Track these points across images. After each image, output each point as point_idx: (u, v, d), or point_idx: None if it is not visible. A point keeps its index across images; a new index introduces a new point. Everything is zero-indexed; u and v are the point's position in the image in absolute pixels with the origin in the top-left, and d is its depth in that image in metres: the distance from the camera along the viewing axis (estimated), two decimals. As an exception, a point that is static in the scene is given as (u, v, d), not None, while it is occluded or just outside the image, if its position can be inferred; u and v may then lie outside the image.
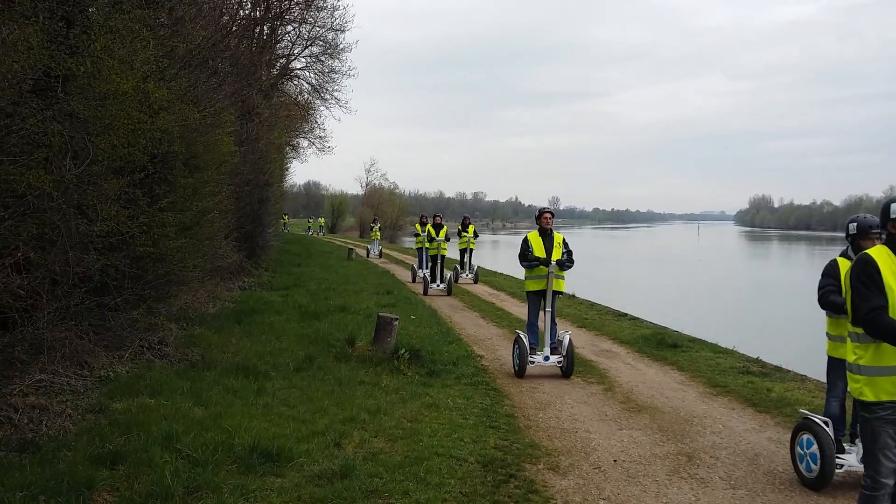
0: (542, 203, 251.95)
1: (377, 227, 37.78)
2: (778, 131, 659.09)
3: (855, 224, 5.89)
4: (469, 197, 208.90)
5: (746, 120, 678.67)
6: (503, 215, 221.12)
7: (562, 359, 9.54)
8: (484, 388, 8.78)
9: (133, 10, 7.92)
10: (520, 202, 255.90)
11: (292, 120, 34.35)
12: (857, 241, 5.85)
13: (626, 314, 16.67)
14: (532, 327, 9.90)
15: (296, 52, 31.39)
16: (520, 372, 9.57)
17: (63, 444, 5.65)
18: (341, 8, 44.34)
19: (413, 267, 23.30)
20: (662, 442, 6.96)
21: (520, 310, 16.62)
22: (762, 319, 26.64)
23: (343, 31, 30.70)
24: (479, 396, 8.38)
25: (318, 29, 29.84)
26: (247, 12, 23.96)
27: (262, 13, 25.42)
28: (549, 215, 9.89)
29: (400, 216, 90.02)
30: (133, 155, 7.67)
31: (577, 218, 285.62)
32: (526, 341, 9.60)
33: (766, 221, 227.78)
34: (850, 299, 4.33)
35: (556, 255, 9.61)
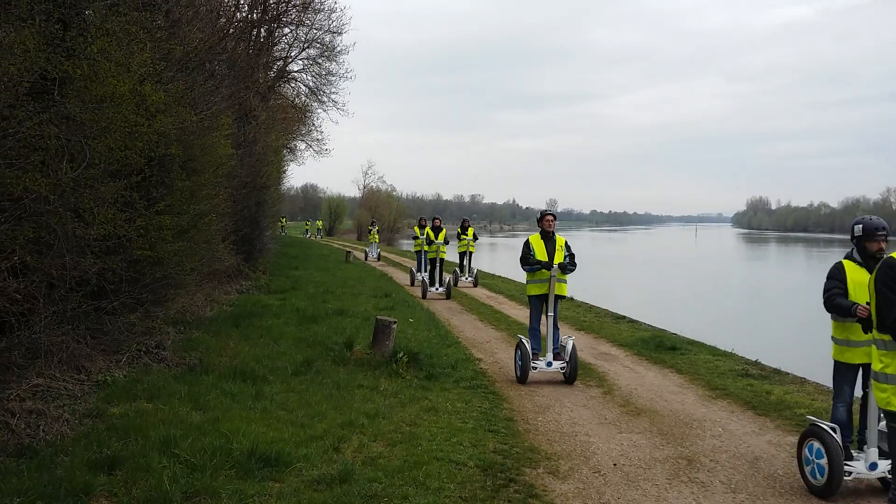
0: (539, 205, 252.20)
1: (375, 229, 37.80)
2: (775, 133, 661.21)
3: (861, 226, 5.82)
4: (466, 199, 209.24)
5: (743, 122, 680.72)
6: (501, 218, 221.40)
7: (565, 365, 9.37)
8: (483, 392, 8.75)
9: (130, 13, 7.90)
10: (517, 205, 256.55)
11: (289, 122, 34.31)
12: (863, 242, 5.80)
13: (624, 317, 16.66)
14: (534, 332, 9.70)
15: (293, 54, 31.38)
16: (522, 378, 9.37)
17: (60, 449, 5.62)
18: (338, 10, 44.22)
19: (412, 270, 23.12)
20: (662, 445, 6.93)
21: (518, 313, 16.61)
22: (760, 322, 26.66)
23: (340, 34, 30.67)
24: (477, 400, 8.35)
25: (315, 31, 29.84)
26: (244, 15, 23.96)
27: (259, 15, 25.40)
28: (551, 218, 9.71)
29: (397, 219, 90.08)
30: (130, 158, 7.64)
31: (574, 220, 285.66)
32: (528, 347, 9.41)
33: (764, 223, 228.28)
34: (874, 305, 4.24)
35: (559, 258, 9.42)
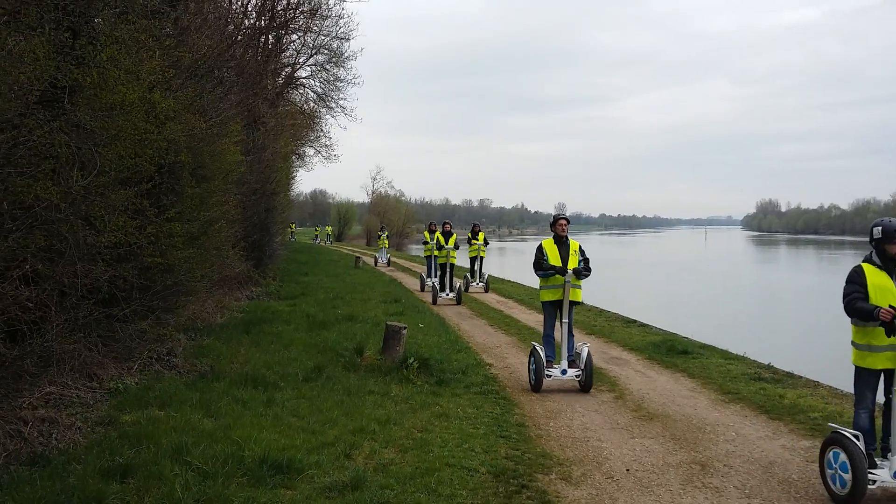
0: (548, 209, 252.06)
1: (385, 235, 37.73)
2: (783, 135, 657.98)
3: (880, 228, 5.73)
4: (475, 204, 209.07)
5: (752, 124, 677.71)
6: (509, 222, 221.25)
7: (580, 372, 9.13)
8: (494, 397, 8.72)
9: (139, 21, 7.94)
10: (526, 209, 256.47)
11: (298, 128, 34.40)
12: (882, 245, 5.72)
13: (635, 321, 16.60)
14: (548, 339, 9.45)
15: (301, 60, 31.49)
16: (536, 386, 9.14)
17: (73, 457, 5.63)
18: (346, 16, 44.34)
19: (421, 276, 22.96)
20: (675, 450, 6.89)
21: (529, 317, 16.57)
22: (772, 325, 26.50)
23: (348, 40, 30.79)
24: (489, 405, 8.32)
25: (322, 37, 29.92)
26: (252, 22, 24.05)
27: (267, 22, 25.49)
28: (564, 222, 9.48)
29: (406, 224, 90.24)
30: (140, 165, 7.67)
31: (583, 224, 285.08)
32: (542, 354, 9.17)
33: (774, 226, 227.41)
34: None
35: (573, 263, 9.17)
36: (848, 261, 75.39)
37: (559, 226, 9.42)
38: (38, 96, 6.23)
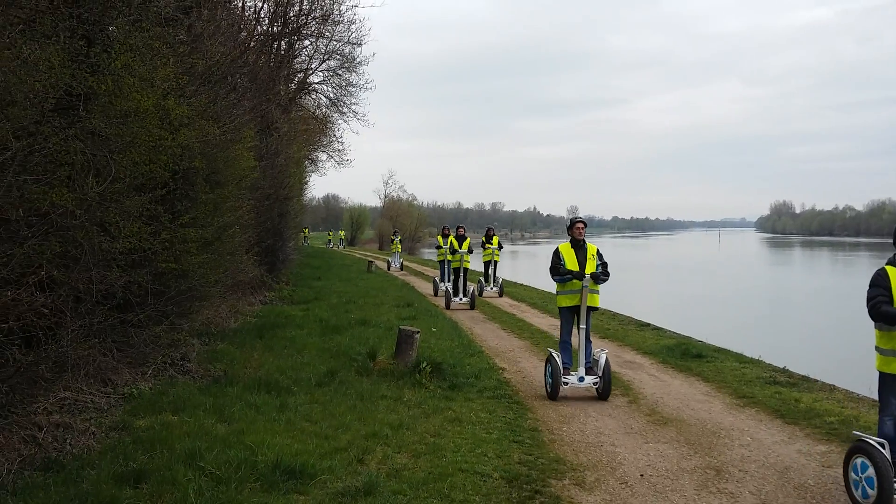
0: (560, 212, 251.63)
1: (398, 239, 37.73)
2: (797, 136, 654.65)
3: None
4: (487, 207, 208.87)
5: (765, 125, 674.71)
6: (522, 225, 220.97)
7: (598, 380, 8.91)
8: (507, 402, 8.70)
9: (153, 28, 7.99)
10: (538, 212, 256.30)
11: (311, 134, 34.52)
12: None
13: (648, 324, 16.53)
14: (565, 345, 9.26)
15: (313, 66, 31.61)
16: (553, 394, 8.92)
17: (87, 462, 5.66)
18: (357, 21, 44.49)
19: (435, 280, 22.81)
20: (690, 455, 6.84)
21: (542, 321, 16.54)
22: (787, 328, 26.33)
23: (360, 45, 30.86)
24: (501, 410, 8.31)
25: (334, 43, 30.02)
26: (264, 28, 24.17)
27: (279, 28, 25.62)
28: (581, 225, 9.22)
29: (418, 228, 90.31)
30: (154, 172, 7.72)
31: (596, 227, 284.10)
32: (559, 361, 8.96)
33: (788, 227, 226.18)
34: None
35: (591, 267, 8.98)
36: (863, 262, 74.78)
37: (576, 229, 9.21)
38: (53, 104, 6.28)
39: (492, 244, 21.64)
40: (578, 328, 9.08)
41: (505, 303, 20.38)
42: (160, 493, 5.13)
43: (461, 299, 18.87)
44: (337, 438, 6.74)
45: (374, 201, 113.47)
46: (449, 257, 20.27)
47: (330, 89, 33.37)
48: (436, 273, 26.55)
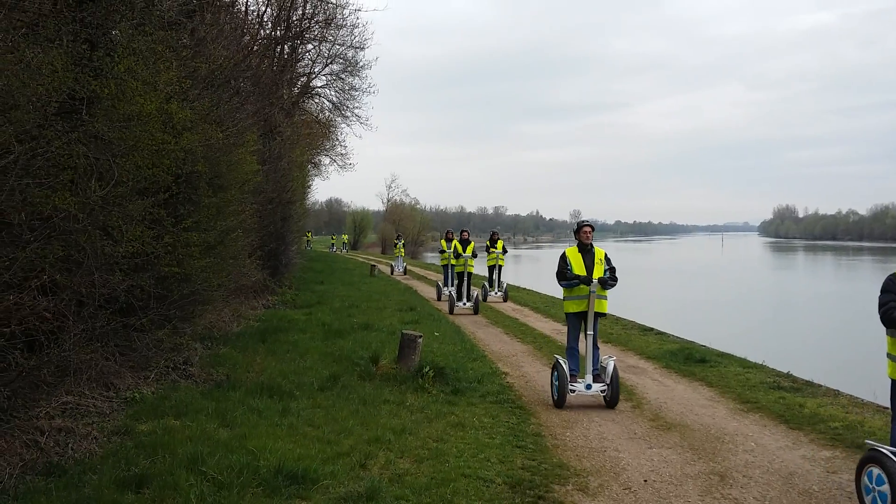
0: (563, 216, 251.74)
1: (401, 243, 37.60)
2: (800, 140, 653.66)
3: None
4: (490, 211, 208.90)
5: (767, 129, 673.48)
6: (524, 229, 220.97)
7: (605, 387, 8.70)
8: (510, 406, 8.67)
9: (156, 32, 8.01)
10: (541, 216, 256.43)
11: (314, 138, 34.57)
12: None
13: (651, 329, 16.51)
14: (572, 352, 9.07)
15: (316, 70, 31.71)
16: (559, 402, 8.74)
17: (89, 467, 5.64)
18: (360, 25, 44.70)
19: (438, 284, 22.59)
20: (693, 461, 6.81)
21: (545, 325, 16.52)
22: (791, 332, 26.26)
23: (363, 49, 31.02)
24: (504, 415, 8.28)
25: (338, 47, 30.12)
26: (268, 32, 24.24)
27: (282, 32, 25.69)
28: (588, 229, 9.04)
29: (421, 231, 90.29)
30: (157, 175, 7.72)
31: (598, 231, 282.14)
32: (566, 368, 8.76)
33: (791, 232, 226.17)
34: None
35: (598, 272, 8.75)
36: (867, 267, 74.66)
37: (583, 233, 9.02)
38: (56, 108, 6.28)
39: (496, 248, 21.47)
40: (586, 334, 8.88)
41: (508, 307, 20.36)
42: (162, 498, 5.11)
43: (465, 304, 18.71)
44: (339, 443, 6.72)
45: (376, 205, 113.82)
46: (453, 261, 20.04)
47: (333, 93, 33.50)
48: (439, 277, 26.51)
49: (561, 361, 8.86)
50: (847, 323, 27.64)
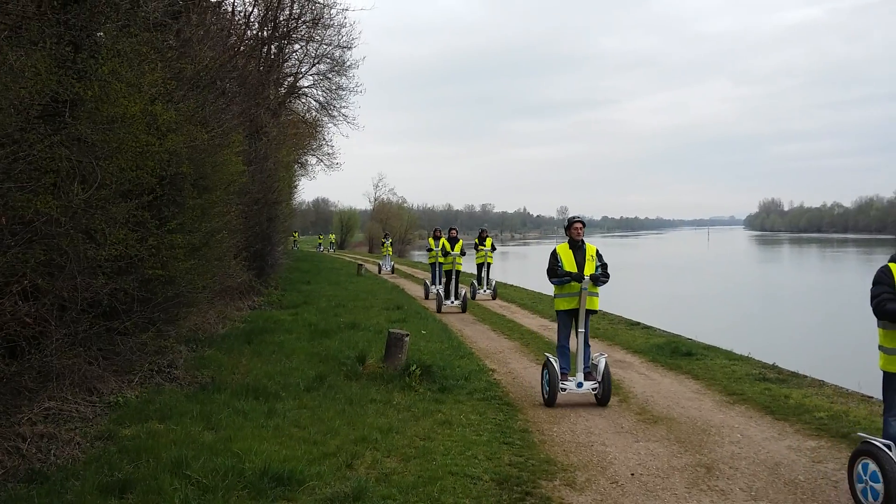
0: (550, 213, 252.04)
1: (388, 242, 37.51)
2: (786, 135, 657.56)
3: None
4: (477, 209, 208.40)
5: (754, 124, 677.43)
6: (512, 226, 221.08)
7: (597, 385, 8.59)
8: (497, 403, 8.68)
9: (140, 34, 7.95)
10: (528, 213, 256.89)
11: (300, 137, 34.47)
12: None
13: (638, 323, 16.58)
14: (562, 350, 8.92)
15: (303, 70, 31.60)
16: (550, 401, 8.60)
17: (71, 473, 5.59)
18: (348, 25, 44.43)
19: (426, 283, 22.36)
20: (680, 454, 6.85)
21: (532, 322, 16.55)
22: (776, 324, 26.44)
23: (350, 49, 30.82)
24: (491, 411, 8.29)
25: (325, 47, 30.03)
26: (254, 32, 24.12)
27: (269, 32, 25.57)
28: (579, 225, 8.87)
29: (409, 230, 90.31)
30: (141, 178, 7.67)
31: (586, 227, 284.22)
32: (556, 366, 8.64)
33: (777, 225, 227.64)
34: None
35: (589, 269, 8.63)
36: (851, 258, 75.20)
37: (574, 229, 8.86)
38: (39, 111, 6.24)
39: (485, 246, 21.31)
40: (577, 332, 8.76)
41: (495, 304, 20.38)
42: (146, 503, 5.08)
43: (453, 302, 18.55)
44: (325, 444, 6.70)
45: (363, 204, 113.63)
46: (441, 260, 19.84)
47: (320, 93, 33.40)
48: (426, 276, 26.45)
49: (551, 359, 8.73)
50: (831, 314, 27.85)
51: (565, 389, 8.61)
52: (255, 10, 24.13)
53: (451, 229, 20.04)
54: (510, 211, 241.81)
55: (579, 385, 8.63)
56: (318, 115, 35.20)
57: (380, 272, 33.91)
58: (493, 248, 21.76)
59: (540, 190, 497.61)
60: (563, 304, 8.85)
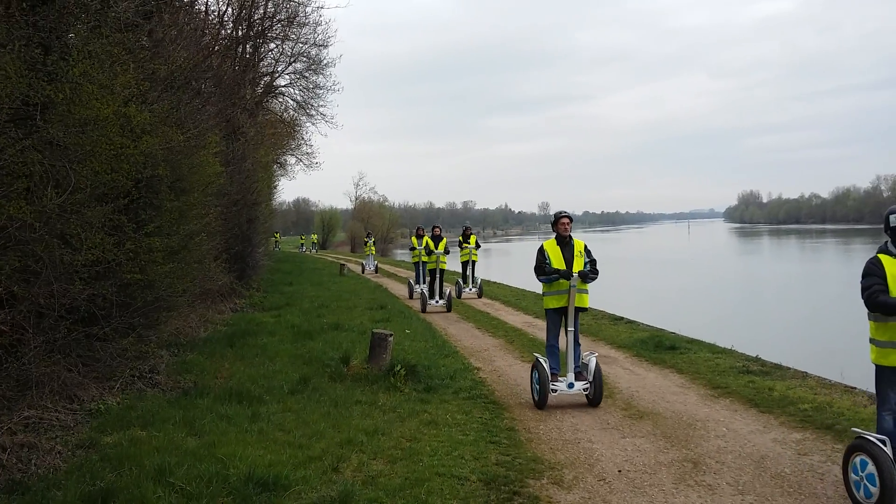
0: (532, 209, 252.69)
1: (371, 241, 37.34)
2: (763, 127, 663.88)
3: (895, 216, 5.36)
4: (459, 206, 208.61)
5: (731, 117, 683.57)
6: (494, 223, 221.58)
7: (588, 385, 8.38)
8: (483, 402, 8.64)
9: (112, 35, 7.82)
10: (510, 209, 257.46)
11: (279, 137, 34.26)
12: None
13: (621, 318, 16.60)
14: (552, 350, 8.67)
15: (279, 69, 31.42)
16: (541, 403, 8.35)
17: (53, 483, 5.49)
18: (323, 23, 44.11)
19: (410, 282, 22.17)
20: (667, 449, 6.84)
21: (516, 319, 16.53)
22: (758, 316, 26.63)
23: (326, 47, 30.71)
24: (478, 410, 8.25)
25: (300, 45, 29.87)
26: (228, 31, 23.90)
27: (244, 32, 25.37)
28: (566, 220, 8.63)
29: (390, 229, 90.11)
30: (116, 181, 7.55)
31: (573, 222, 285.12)
32: (546, 367, 8.38)
33: (756, 217, 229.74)
34: None
35: (578, 266, 8.40)
36: (830, 249, 76.01)
37: (561, 224, 8.61)
38: (9, 114, 6.11)
39: (469, 244, 21.07)
40: (566, 330, 8.51)
41: (479, 302, 20.33)
42: (129, 511, 5.00)
43: (438, 302, 18.25)
44: (311, 447, 6.63)
45: (344, 203, 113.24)
46: (424, 258, 19.65)
47: (297, 92, 33.23)
48: (410, 274, 26.33)
49: (541, 360, 8.48)
50: (812, 305, 28.10)
51: (556, 390, 8.39)
52: (229, 9, 23.97)
53: (434, 227, 19.76)
54: (492, 207, 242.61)
55: (570, 386, 8.41)
56: (296, 115, 35.04)
57: (363, 272, 33.68)
58: (478, 246, 21.56)
59: (521, 186, 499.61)
60: (552, 303, 8.62)
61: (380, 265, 36.45)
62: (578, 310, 8.55)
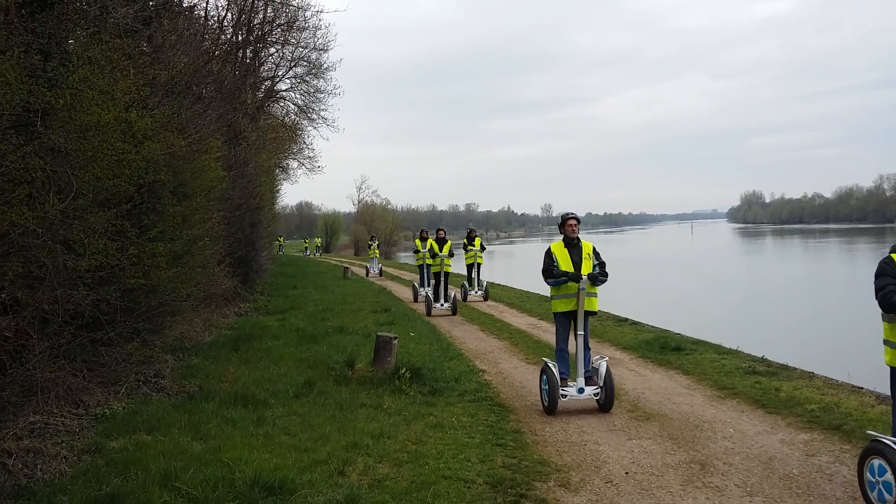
0: (534, 211, 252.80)
1: (375, 244, 37.27)
2: (764, 127, 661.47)
3: None
4: (462, 209, 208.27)
5: (732, 117, 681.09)
6: (497, 225, 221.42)
7: (598, 390, 8.21)
8: (488, 404, 8.61)
9: (111, 40, 7.81)
10: (512, 211, 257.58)
11: (280, 142, 34.27)
12: None
13: (626, 319, 16.57)
14: (561, 354, 8.51)
15: (280, 73, 31.47)
16: (550, 408, 8.17)
17: (59, 488, 5.47)
18: (323, 27, 44.33)
19: (414, 285, 21.96)
20: (674, 450, 6.81)
21: (520, 321, 16.50)
22: (763, 316, 26.56)
23: (326, 51, 30.86)
24: (483, 413, 8.22)
25: (301, 49, 29.94)
26: (229, 36, 23.92)
27: (244, 36, 25.42)
28: (574, 222, 8.45)
29: (394, 231, 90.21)
30: (119, 186, 7.53)
31: (580, 223, 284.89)
32: (555, 371, 8.22)
33: (759, 217, 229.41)
34: None
35: (587, 268, 8.24)
36: (833, 248, 75.84)
37: (568, 226, 8.43)
38: (10, 121, 6.10)
39: (474, 246, 20.88)
40: (576, 334, 8.31)
41: (483, 304, 20.30)
42: (135, 516, 4.98)
43: (442, 305, 18.10)
44: (316, 451, 6.61)
45: (347, 207, 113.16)
46: (429, 261, 19.47)
47: (298, 96, 33.31)
48: (414, 277, 26.27)
49: (550, 365, 8.31)
50: (817, 305, 28.02)
51: (566, 396, 8.21)
52: (229, 14, 23.99)
53: (438, 230, 19.61)
54: (494, 210, 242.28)
55: (580, 391, 8.24)
56: (298, 119, 35.12)
57: (367, 275, 33.62)
58: (483, 248, 21.40)
59: (523, 188, 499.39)
60: (561, 306, 8.42)
61: (384, 268, 36.43)
62: (588, 313, 8.35)
